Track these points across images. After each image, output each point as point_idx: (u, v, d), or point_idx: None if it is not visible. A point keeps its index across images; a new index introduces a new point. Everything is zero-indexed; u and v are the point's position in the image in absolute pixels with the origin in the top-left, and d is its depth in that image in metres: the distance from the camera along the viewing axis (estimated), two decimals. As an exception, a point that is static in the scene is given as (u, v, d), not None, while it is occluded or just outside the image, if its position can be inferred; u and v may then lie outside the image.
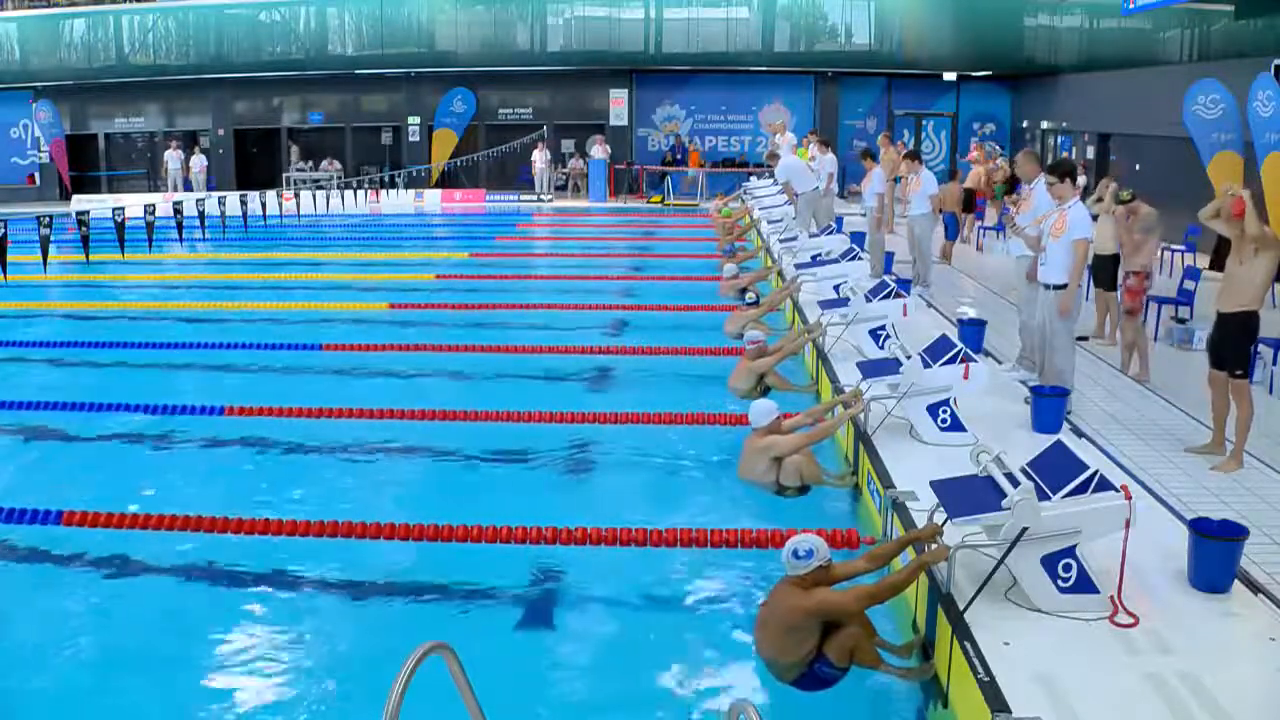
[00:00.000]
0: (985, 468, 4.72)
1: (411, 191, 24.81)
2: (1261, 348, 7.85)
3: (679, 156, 25.36)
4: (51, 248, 14.55)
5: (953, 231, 16.16)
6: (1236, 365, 6.43)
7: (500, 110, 26.15)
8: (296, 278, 14.75)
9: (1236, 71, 14.01)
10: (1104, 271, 9.56)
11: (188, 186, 24.99)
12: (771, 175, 18.11)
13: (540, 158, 24.86)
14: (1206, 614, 4.37)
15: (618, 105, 25.52)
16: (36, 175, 26.61)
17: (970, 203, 17.04)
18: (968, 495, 4.58)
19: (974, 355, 6.97)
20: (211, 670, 4.76)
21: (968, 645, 4.02)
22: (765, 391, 8.09)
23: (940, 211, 14.36)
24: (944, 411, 6.58)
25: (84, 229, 15.61)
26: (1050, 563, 4.30)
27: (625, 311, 12.26)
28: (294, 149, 26.21)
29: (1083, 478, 4.34)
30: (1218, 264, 11.67)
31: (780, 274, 12.29)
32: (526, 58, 24.84)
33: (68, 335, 11.19)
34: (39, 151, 26.46)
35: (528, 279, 15.56)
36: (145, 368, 10.13)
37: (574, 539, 5.70)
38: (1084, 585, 4.32)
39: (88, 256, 15.66)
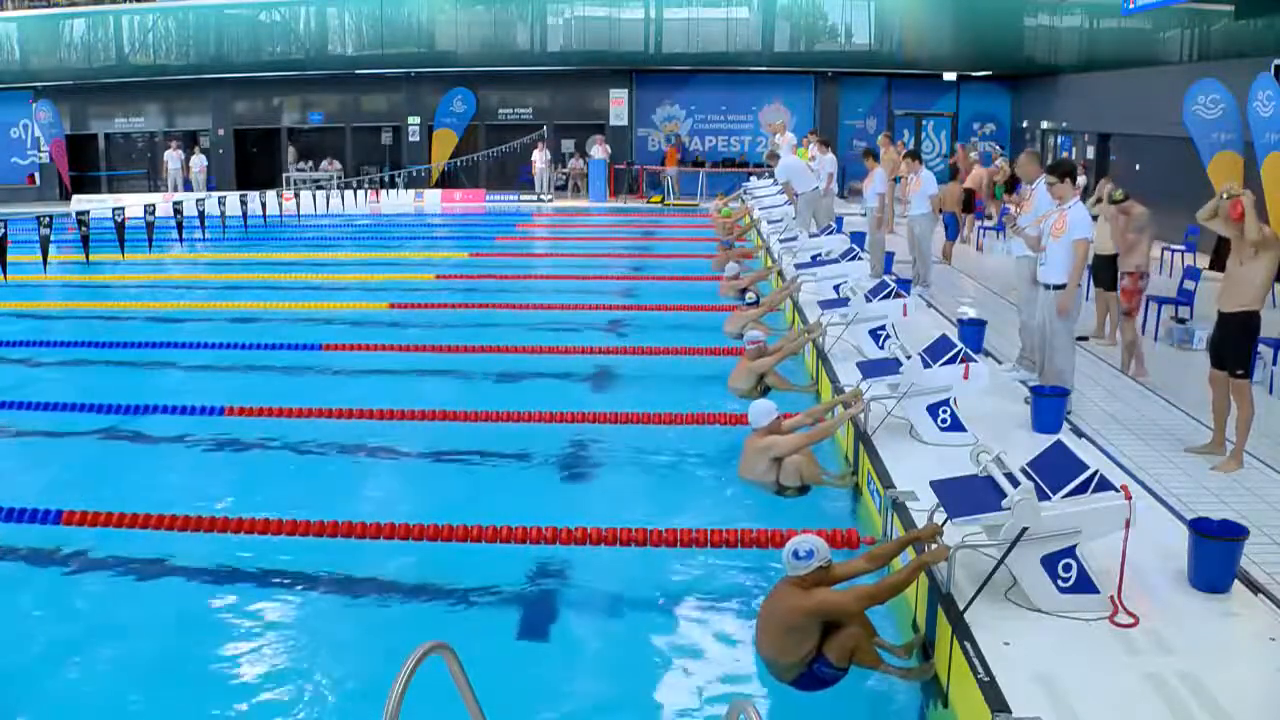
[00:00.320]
0: (985, 468, 4.72)
1: (411, 191, 24.82)
2: (1262, 348, 7.84)
3: (679, 157, 25.34)
4: (51, 248, 14.55)
5: (953, 231, 16.17)
6: (1237, 365, 6.43)
7: (500, 110, 26.15)
8: (296, 278, 14.75)
9: (1236, 71, 14.02)
10: (1104, 271, 9.56)
11: (188, 186, 25.00)
12: (771, 175, 18.12)
13: (540, 158, 24.87)
14: (1206, 614, 4.37)
15: (618, 105, 25.52)
16: (36, 175, 26.62)
17: (970, 203, 17.05)
18: (968, 495, 4.58)
19: (974, 355, 6.97)
20: (211, 670, 4.76)
21: (968, 645, 4.02)
22: (765, 391, 8.09)
23: (940, 211, 14.36)
24: (944, 411, 6.58)
25: (84, 229, 15.62)
26: (1050, 563, 4.30)
27: (625, 311, 12.26)
28: (291, 149, 26.22)
29: (1083, 478, 4.34)
30: (1218, 264, 11.67)
31: (780, 274, 12.29)
32: (526, 58, 24.85)
33: (68, 335, 11.19)
34: (39, 151, 26.47)
35: (528, 279, 15.56)
36: (145, 367, 10.13)
37: (574, 539, 5.70)
38: (1084, 585, 4.32)
39: (88, 256, 15.66)
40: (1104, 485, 4.34)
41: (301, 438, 7.78)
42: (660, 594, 5.45)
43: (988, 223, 17.17)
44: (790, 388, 8.44)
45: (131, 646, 5.00)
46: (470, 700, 3.32)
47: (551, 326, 11.39)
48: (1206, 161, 14.22)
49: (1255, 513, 5.62)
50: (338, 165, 26.03)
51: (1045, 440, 5.17)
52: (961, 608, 4.21)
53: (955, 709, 4.07)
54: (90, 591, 5.60)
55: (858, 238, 13.61)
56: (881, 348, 8.14)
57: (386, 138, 26.55)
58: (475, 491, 6.91)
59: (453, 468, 7.41)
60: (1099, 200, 9.67)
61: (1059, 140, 21.97)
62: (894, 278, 10.53)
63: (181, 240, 18.02)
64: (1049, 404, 6.77)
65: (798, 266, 11.40)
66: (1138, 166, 17.38)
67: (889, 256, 12.99)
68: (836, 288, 9.87)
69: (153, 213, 17.18)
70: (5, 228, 12.95)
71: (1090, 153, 19.70)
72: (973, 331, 8.83)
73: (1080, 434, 6.88)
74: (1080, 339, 8.84)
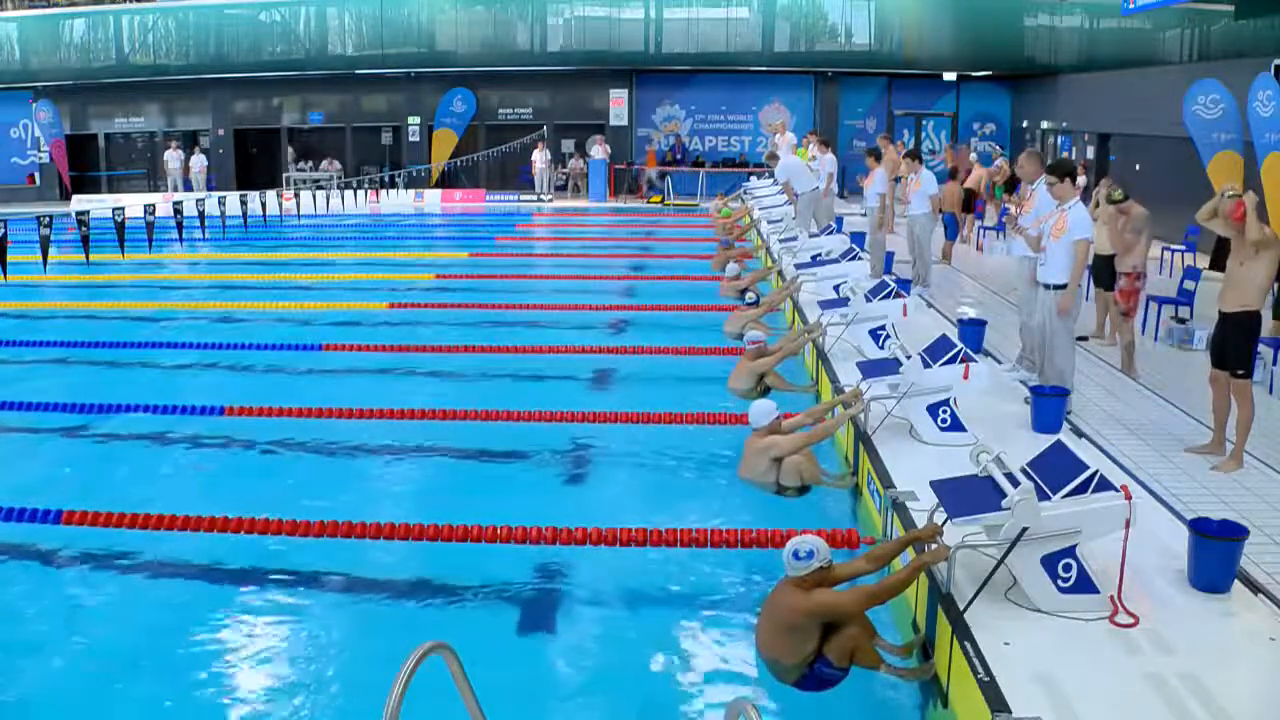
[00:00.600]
0: (985, 468, 4.71)
1: (411, 191, 24.82)
2: (1261, 348, 7.84)
3: (679, 157, 25.38)
4: (51, 248, 14.53)
5: (952, 231, 16.17)
6: (1238, 364, 6.44)
7: (500, 110, 26.15)
8: (296, 278, 14.74)
9: (1236, 71, 14.02)
10: (1104, 271, 9.56)
11: (188, 186, 25.00)
12: (771, 175, 18.12)
13: (540, 158, 24.87)
14: (1206, 614, 4.37)
15: (618, 105, 25.52)
16: (36, 175, 26.62)
17: (970, 203, 17.05)
18: (968, 495, 4.58)
19: (974, 355, 6.97)
20: (211, 670, 4.76)
21: (968, 645, 4.02)
22: (765, 392, 8.09)
23: (940, 211, 14.36)
24: (944, 411, 6.58)
25: (84, 229, 15.60)
26: (1050, 563, 4.30)
27: (625, 311, 12.26)
28: (289, 150, 26.22)
29: (1083, 478, 4.34)
30: (1218, 264, 11.67)
31: (780, 274, 12.29)
32: (526, 58, 24.85)
33: (68, 335, 11.18)
34: (39, 151, 26.47)
35: (527, 279, 15.55)
36: (145, 367, 10.13)
37: (574, 539, 5.70)
38: (1084, 585, 4.32)
39: (88, 256, 15.65)
40: (1104, 485, 4.34)
41: (301, 438, 7.78)
42: (660, 594, 5.45)
43: (987, 223, 17.18)
44: (790, 388, 8.44)
45: (131, 646, 5.00)
46: (470, 700, 3.32)
47: (552, 326, 11.39)
48: (1206, 161, 14.22)
49: (1255, 513, 5.63)
50: (338, 165, 26.02)
51: (1045, 440, 5.17)
52: (961, 608, 4.21)
53: (955, 709, 4.07)
54: (90, 591, 5.59)
55: (858, 238, 13.61)
56: (881, 348, 8.14)
57: (386, 138, 26.55)
58: (475, 491, 6.90)
59: (453, 468, 7.41)
60: (1097, 205, 9.67)
61: (1059, 140, 21.97)
62: (894, 278, 10.53)
63: (181, 240, 18.01)
64: (1049, 404, 6.77)
65: (798, 266, 11.40)
66: (1138, 166, 17.38)
67: (889, 256, 12.99)
68: (836, 288, 9.86)
69: (153, 213, 17.17)
70: (5, 228, 12.94)
71: (1090, 153, 19.70)
72: (973, 331, 8.83)
73: (1080, 434, 6.88)
74: (1080, 339, 8.84)
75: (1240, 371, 6.43)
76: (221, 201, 19.43)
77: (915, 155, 12.74)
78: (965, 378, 6.63)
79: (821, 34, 24.34)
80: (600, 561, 5.66)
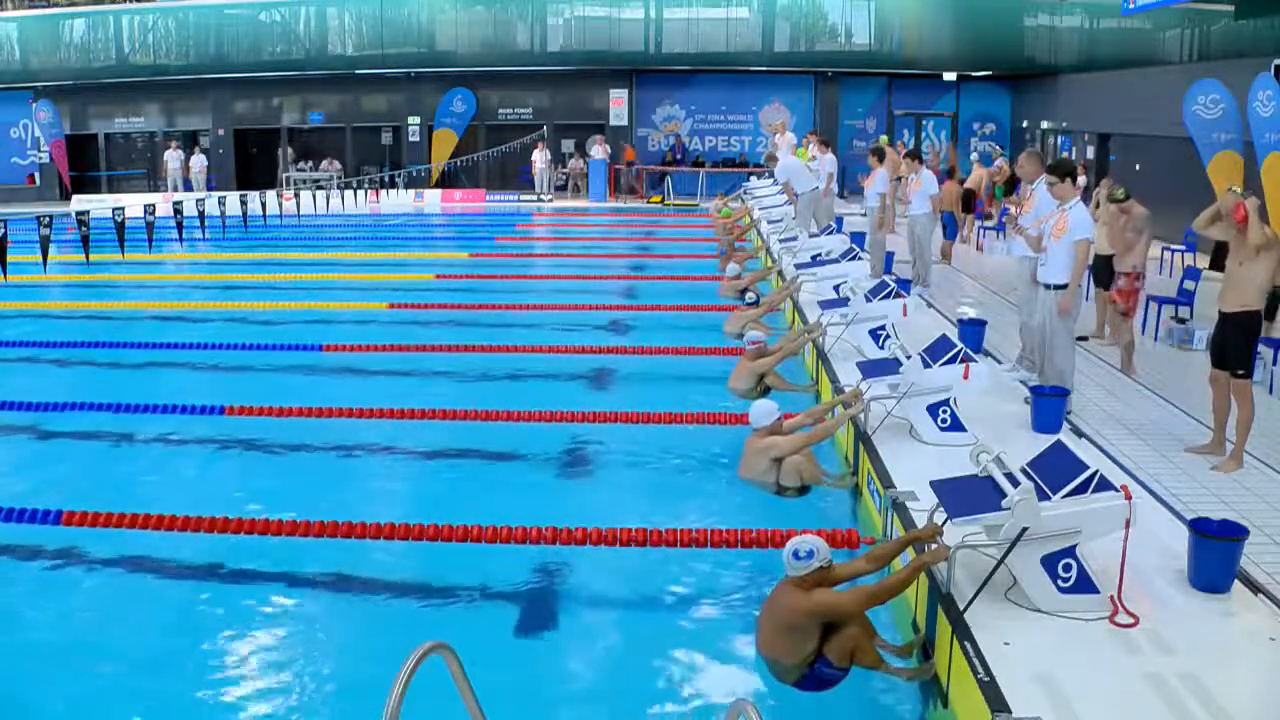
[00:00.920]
0: (985, 468, 4.71)
1: (411, 191, 24.82)
2: (1261, 348, 7.84)
3: (679, 157, 25.38)
4: (51, 248, 14.53)
5: (952, 231, 16.16)
6: (1239, 364, 6.44)
7: (500, 110, 26.15)
8: (296, 278, 14.74)
9: (1236, 71, 14.02)
10: (1104, 271, 9.56)
11: (188, 186, 24.99)
12: (771, 175, 18.11)
13: (540, 158, 24.87)
14: (1206, 614, 4.37)
15: (618, 105, 25.52)
16: (36, 175, 26.61)
17: (970, 203, 17.04)
18: (968, 495, 4.58)
19: (974, 355, 6.97)
20: (211, 670, 4.75)
21: (968, 645, 4.02)
22: (765, 392, 8.09)
23: (940, 211, 14.36)
24: (944, 411, 6.58)
25: (84, 229, 15.59)
26: (1050, 563, 4.30)
27: (625, 311, 12.26)
28: (288, 150, 26.21)
29: (1083, 478, 4.34)
30: (1218, 264, 11.67)
31: (780, 274, 12.30)
32: (526, 58, 24.85)
33: (68, 335, 11.18)
34: (39, 151, 26.46)
35: (527, 279, 15.56)
36: (145, 367, 10.13)
37: (574, 539, 5.69)
38: (1084, 585, 4.32)
39: (88, 256, 15.65)
40: (1104, 485, 4.34)
41: (301, 438, 7.78)
42: (660, 594, 5.45)
43: (987, 223, 17.18)
44: (790, 388, 8.44)
45: (131, 647, 5.00)
46: (470, 700, 3.32)
47: (552, 326, 11.39)
48: (1206, 161, 14.22)
49: (1255, 513, 5.63)
50: (338, 165, 26.02)
51: (1045, 440, 5.17)
52: (961, 608, 4.21)
53: (955, 709, 4.07)
54: (90, 591, 5.60)
55: (858, 238, 13.61)
56: (881, 348, 8.14)
57: (386, 138, 26.54)
58: (475, 491, 6.90)
59: (453, 468, 7.41)
60: (1098, 205, 9.67)
61: (1059, 140, 21.97)
62: (894, 278, 10.54)
63: (181, 240, 18.01)
64: (1049, 404, 6.77)
65: (798, 266, 11.41)
66: (1138, 166, 17.38)
67: (889, 256, 12.99)
68: (836, 288, 9.86)
69: (153, 213, 17.16)
70: (5, 228, 12.94)
71: (1090, 153, 19.70)
72: (973, 331, 8.83)
73: (1080, 434, 6.88)
74: (1080, 339, 8.84)
75: (1240, 371, 6.43)
76: (221, 201, 19.43)
77: (916, 155, 12.74)
78: (965, 378, 6.63)
79: (821, 34, 24.35)
80: (600, 561, 5.66)
